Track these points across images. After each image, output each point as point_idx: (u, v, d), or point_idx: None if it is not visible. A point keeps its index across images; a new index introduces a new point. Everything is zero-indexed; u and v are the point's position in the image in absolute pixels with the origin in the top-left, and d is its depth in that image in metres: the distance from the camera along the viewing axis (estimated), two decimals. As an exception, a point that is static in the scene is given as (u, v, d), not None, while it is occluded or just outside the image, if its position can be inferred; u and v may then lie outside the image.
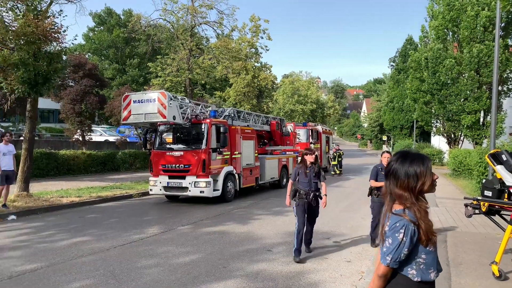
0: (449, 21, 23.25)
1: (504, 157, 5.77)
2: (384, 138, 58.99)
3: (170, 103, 11.80)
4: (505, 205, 5.53)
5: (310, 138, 24.04)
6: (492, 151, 6.27)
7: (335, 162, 24.07)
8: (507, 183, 5.52)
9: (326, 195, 7.04)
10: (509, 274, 5.63)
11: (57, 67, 11.75)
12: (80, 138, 22.51)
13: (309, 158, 6.95)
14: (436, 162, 32.31)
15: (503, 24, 21.43)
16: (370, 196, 7.64)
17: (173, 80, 21.87)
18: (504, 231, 5.61)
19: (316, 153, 7.20)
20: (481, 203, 5.76)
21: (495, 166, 5.78)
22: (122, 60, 46.35)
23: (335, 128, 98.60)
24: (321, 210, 7.26)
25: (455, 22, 23.16)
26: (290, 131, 20.20)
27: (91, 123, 23.16)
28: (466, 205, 6.07)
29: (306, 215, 6.91)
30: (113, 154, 23.05)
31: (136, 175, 21.30)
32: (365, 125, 74.17)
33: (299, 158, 8.25)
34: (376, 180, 7.43)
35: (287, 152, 19.30)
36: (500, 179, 5.66)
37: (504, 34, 22.03)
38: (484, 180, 6.67)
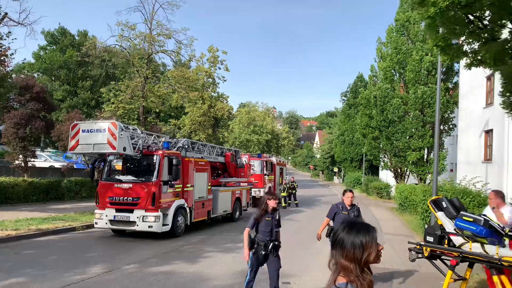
0: (396, 63, 24.76)
1: (444, 204, 6.06)
2: (335, 169, 60.63)
3: (121, 134, 11.46)
4: (445, 251, 5.77)
5: (265, 169, 24.18)
6: (433, 198, 6.58)
7: (285, 194, 24.23)
8: (447, 230, 5.78)
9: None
10: (449, 319, 5.81)
11: (1, 91, 11.16)
12: (22, 164, 21.21)
13: (272, 203, 6.32)
14: (384, 196, 33.47)
15: (444, 69, 23.08)
16: (329, 237, 6.97)
17: (126, 107, 21.40)
18: (445, 276, 5.83)
19: (279, 196, 6.90)
20: (424, 248, 5.97)
21: (436, 212, 6.05)
22: (74, 81, 44.81)
23: (289, 158, 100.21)
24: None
25: (402, 65, 24.68)
26: (244, 162, 20.23)
27: (35, 150, 21.92)
28: (410, 249, 6.27)
29: (259, 267, 6.46)
30: (58, 182, 21.87)
31: (81, 204, 20.27)
32: (318, 156, 76.05)
33: (260, 194, 8.08)
34: (333, 220, 7.24)
35: (241, 184, 19.23)
36: (441, 225, 5.92)
37: (445, 78, 23.73)
38: (426, 226, 6.95)
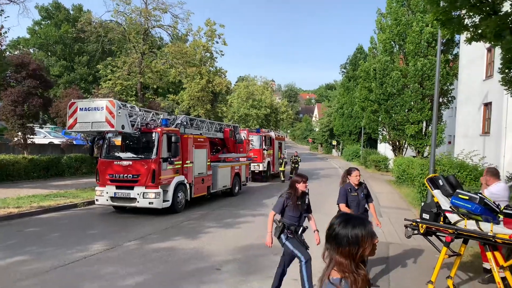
0: (396, 35, 24.40)
1: (440, 182, 6.13)
2: (334, 143, 60.79)
3: (119, 112, 11.43)
4: (440, 228, 5.87)
5: (264, 144, 24.25)
6: (430, 176, 6.64)
7: (283, 168, 24.44)
8: (443, 207, 5.86)
9: (318, 230, 5.80)
10: (443, 292, 5.98)
11: (-4, 70, 11.05)
12: (22, 141, 21.23)
13: (301, 187, 5.73)
14: (382, 169, 33.73)
15: (444, 40, 22.78)
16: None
17: (124, 84, 21.22)
18: (440, 252, 5.96)
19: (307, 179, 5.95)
20: (420, 225, 6.08)
21: (432, 190, 6.12)
22: (71, 57, 44.25)
23: (288, 131, 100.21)
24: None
25: (402, 36, 24.33)
26: (243, 138, 20.27)
27: (33, 126, 21.89)
28: (406, 226, 6.38)
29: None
30: (58, 158, 21.95)
31: (82, 181, 20.42)
32: (317, 129, 76.06)
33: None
34: (347, 204, 6.47)
35: (241, 160, 19.34)
36: (437, 202, 5.99)
37: (445, 49, 23.46)
38: (423, 203, 7.05)
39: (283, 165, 24.56)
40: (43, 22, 45.54)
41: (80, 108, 11.68)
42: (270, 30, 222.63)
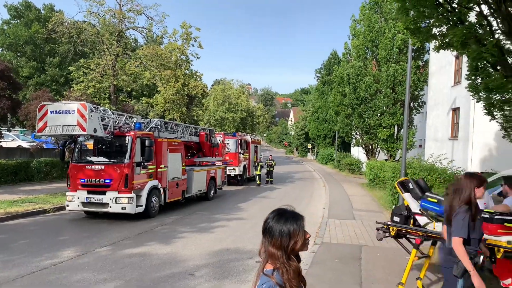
0: (369, 41, 24.95)
1: (410, 185, 6.30)
2: (309, 146, 61.41)
3: (91, 115, 11.18)
4: (410, 230, 6.03)
5: (240, 148, 24.23)
6: (401, 179, 6.81)
7: (258, 172, 24.46)
8: (413, 210, 6.03)
9: None
10: (413, 293, 6.13)
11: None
12: (-12, 145, 20.48)
13: (480, 192, 4.08)
14: (355, 172, 34.30)
15: (414, 48, 23.42)
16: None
17: (97, 86, 20.81)
18: (410, 253, 6.11)
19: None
20: (391, 227, 6.22)
21: (403, 193, 6.28)
22: (41, 58, 42.95)
23: (264, 135, 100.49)
24: (246, 225, 7.27)
25: (374, 43, 24.90)
26: (219, 141, 20.21)
27: (1, 129, 21.15)
28: (377, 229, 6.51)
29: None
30: (27, 163, 21.26)
31: (52, 186, 19.85)
32: (292, 133, 76.68)
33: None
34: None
35: (216, 163, 19.27)
36: (407, 205, 6.15)
37: (416, 56, 24.12)
38: (393, 207, 7.21)
39: (258, 169, 24.62)
40: (12, 22, 44.13)
41: (50, 111, 11.36)
42: (246, 34, 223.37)
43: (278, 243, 2.19)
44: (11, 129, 28.75)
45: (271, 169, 25.36)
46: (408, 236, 6.25)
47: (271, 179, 25.23)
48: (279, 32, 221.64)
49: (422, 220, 5.90)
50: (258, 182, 24.36)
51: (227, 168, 21.79)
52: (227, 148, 22.73)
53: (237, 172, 23.69)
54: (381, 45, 24.03)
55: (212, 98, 41.18)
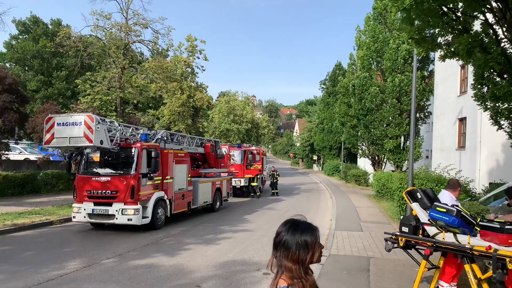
0: (373, 51, 25.00)
1: (419, 195, 6.23)
2: (315, 157, 61.25)
3: (98, 127, 11.25)
4: (419, 241, 5.94)
5: (246, 159, 24.15)
6: (408, 189, 6.74)
7: (255, 184, 24.07)
8: (422, 220, 5.94)
9: None
10: (423, 305, 6.02)
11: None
12: (-4, 157, 20.63)
13: None
14: (362, 183, 34.09)
15: (419, 58, 23.45)
16: None
17: (103, 99, 20.99)
18: (419, 264, 6.02)
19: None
20: (399, 238, 6.14)
21: (411, 203, 6.21)
22: (48, 71, 43.49)
23: (269, 146, 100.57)
24: (252, 237, 7.22)
25: (379, 53, 24.94)
26: (224, 153, 20.21)
27: (8, 142, 21.33)
28: (386, 240, 6.43)
29: None
30: (34, 175, 21.37)
31: (59, 197, 19.91)
32: (297, 144, 76.57)
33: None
34: None
35: (222, 174, 19.25)
36: (416, 215, 6.08)
37: (421, 66, 24.14)
38: (402, 217, 7.13)
39: (256, 180, 24.26)
40: (20, 37, 44.82)
41: (57, 123, 11.45)
42: (251, 46, 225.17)
43: (296, 257, 2.07)
44: (18, 141, 29.00)
45: (275, 180, 25.24)
46: (417, 246, 6.16)
47: (276, 191, 25.09)
48: (284, 44, 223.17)
49: (431, 230, 5.81)
50: (258, 193, 24.04)
51: (233, 179, 21.72)
52: (232, 159, 22.70)
53: (242, 184, 23.60)
54: (386, 55, 24.08)
55: (217, 110, 41.35)
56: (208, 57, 28.01)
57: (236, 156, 23.77)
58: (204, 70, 28.58)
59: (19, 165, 24.68)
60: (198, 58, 27.89)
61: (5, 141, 20.70)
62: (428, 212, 5.80)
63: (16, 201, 18.27)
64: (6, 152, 21.20)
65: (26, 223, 12.75)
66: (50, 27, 44.96)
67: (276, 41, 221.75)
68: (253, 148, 27.28)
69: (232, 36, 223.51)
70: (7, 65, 43.03)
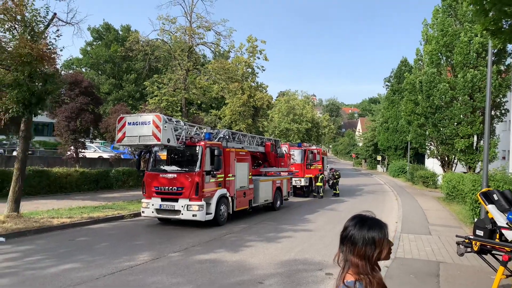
0: (442, 46, 23.61)
1: (495, 197, 5.79)
2: (379, 158, 59.22)
3: (165, 126, 11.78)
4: (496, 246, 5.53)
5: (306, 159, 23.97)
6: (483, 190, 6.29)
7: (320, 184, 23.62)
8: (499, 223, 5.52)
9: None
10: (501, 315, 5.59)
11: (51, 88, 11.74)
12: (74, 155, 22.39)
13: None
14: (430, 185, 32.39)
15: (495, 51, 21.77)
16: None
17: (169, 100, 21.94)
18: (496, 271, 5.60)
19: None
20: (473, 242, 5.76)
21: (486, 205, 5.79)
22: (119, 75, 46.45)
23: (330, 146, 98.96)
24: (313, 236, 7.13)
25: (449, 48, 23.50)
26: (284, 152, 20.21)
27: (84, 141, 23.06)
28: (458, 243, 6.06)
29: None
30: (106, 172, 22.90)
31: (129, 193, 21.14)
32: (360, 144, 74.52)
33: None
34: None
35: (282, 174, 19.28)
36: (492, 218, 5.66)
37: (496, 60, 22.38)
38: (476, 219, 6.67)
39: (319, 180, 23.90)
40: (94, 43, 48.26)
41: (128, 123, 12.16)
42: (312, 44, 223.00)
43: (362, 252, 2.05)
44: (93, 140, 31.23)
45: (335, 180, 24.79)
46: (493, 252, 5.74)
47: (337, 191, 24.61)
48: (346, 41, 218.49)
49: (509, 234, 5.38)
50: (321, 194, 23.64)
51: (293, 179, 21.64)
52: (292, 158, 22.62)
53: (302, 183, 23.43)
54: (456, 49, 22.64)
55: (277, 110, 41.50)
56: (269, 56, 28.21)
57: (296, 155, 23.67)
58: (264, 70, 28.74)
59: (94, 162, 26.58)
60: (259, 58, 28.17)
61: (82, 140, 22.37)
62: (507, 215, 5.38)
63: (91, 195, 19.70)
64: (83, 150, 22.92)
65: (100, 216, 13.71)
66: (120, 33, 47.89)
67: (338, 38, 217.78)
68: (313, 147, 27.03)
69: (293, 34, 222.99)
70: (83, 69, 46.47)
